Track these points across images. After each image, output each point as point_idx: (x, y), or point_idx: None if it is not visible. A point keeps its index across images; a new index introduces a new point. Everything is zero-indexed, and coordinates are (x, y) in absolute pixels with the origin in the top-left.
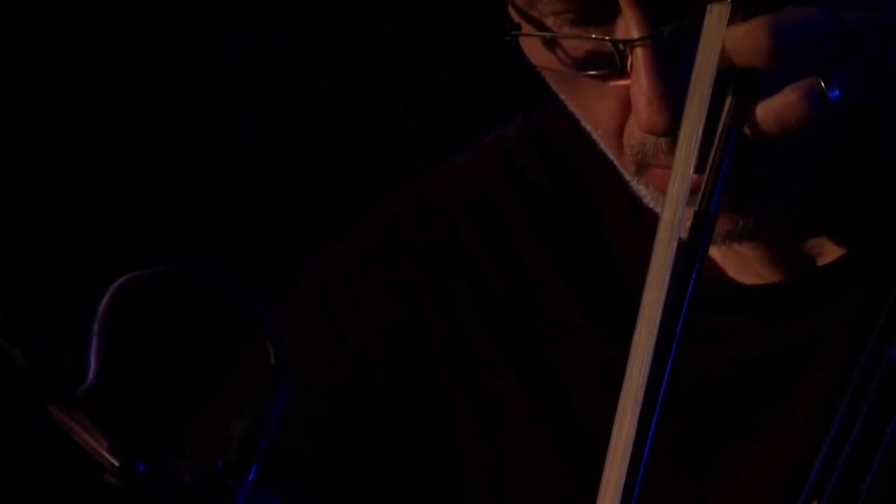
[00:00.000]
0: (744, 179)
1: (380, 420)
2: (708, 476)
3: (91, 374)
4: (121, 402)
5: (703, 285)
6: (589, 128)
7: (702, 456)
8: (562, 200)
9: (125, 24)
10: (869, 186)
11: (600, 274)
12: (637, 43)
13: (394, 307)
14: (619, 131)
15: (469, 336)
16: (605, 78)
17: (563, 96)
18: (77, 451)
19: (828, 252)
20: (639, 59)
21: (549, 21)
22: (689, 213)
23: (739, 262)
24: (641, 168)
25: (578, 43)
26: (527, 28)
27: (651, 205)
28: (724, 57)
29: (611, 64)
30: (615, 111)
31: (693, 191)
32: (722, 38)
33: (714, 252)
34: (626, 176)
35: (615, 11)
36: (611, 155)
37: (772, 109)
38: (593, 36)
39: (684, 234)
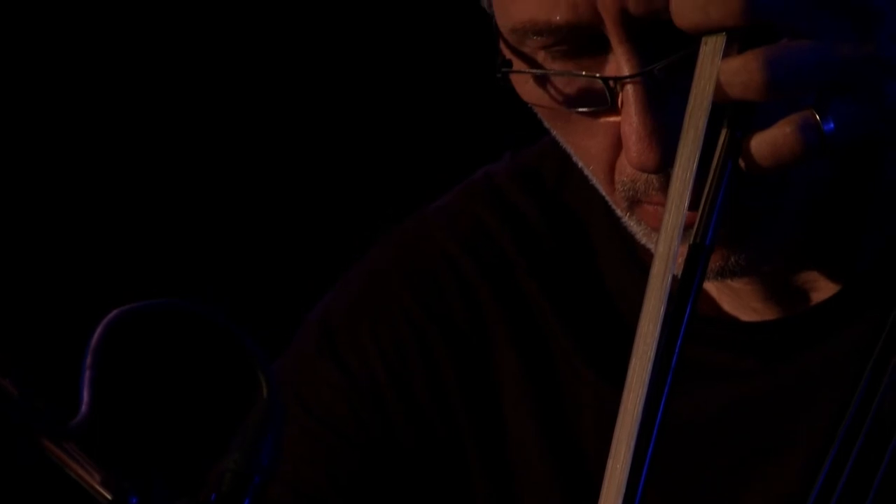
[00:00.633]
0: (737, 215)
1: (392, 451)
2: None
3: (83, 407)
4: (113, 435)
5: (700, 321)
6: (580, 163)
7: (700, 491)
8: (554, 235)
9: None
10: (862, 222)
11: (594, 308)
12: (627, 80)
13: (400, 340)
14: (611, 167)
15: (474, 365)
16: (596, 114)
17: (554, 132)
18: (69, 483)
19: (822, 288)
20: (629, 96)
21: (540, 57)
22: (683, 251)
23: (734, 298)
24: (633, 204)
25: (569, 79)
26: (518, 64)
27: (643, 241)
28: (718, 90)
29: (602, 100)
30: (606, 147)
31: (687, 227)
32: (717, 70)
33: (709, 287)
34: (618, 212)
35: (606, 48)
36: (602, 191)
37: (766, 142)
38: (584, 73)
39: (678, 271)
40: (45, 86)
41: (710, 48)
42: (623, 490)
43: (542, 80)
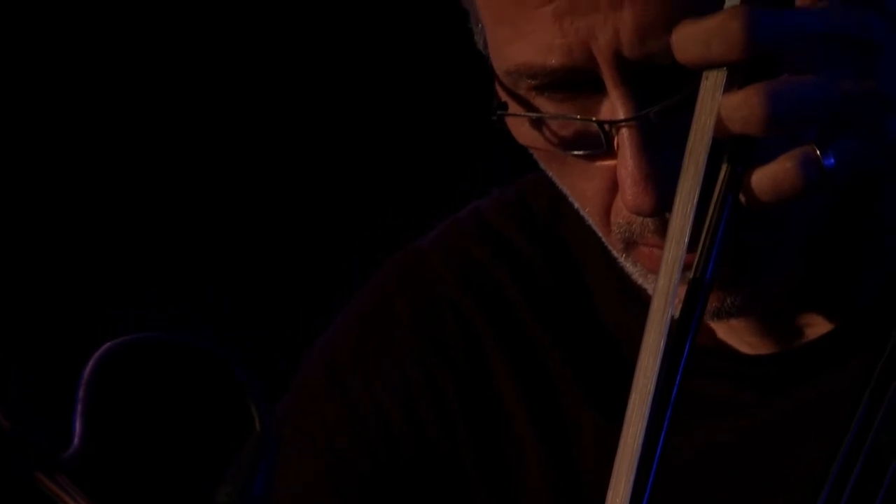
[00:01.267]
0: (736, 252)
1: (399, 482)
2: None
3: (76, 440)
4: (106, 468)
5: (699, 352)
6: (577, 204)
7: None
8: (549, 269)
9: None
10: (860, 257)
11: (592, 342)
12: (623, 123)
13: (404, 373)
14: (607, 209)
15: (478, 397)
16: (591, 157)
17: (550, 173)
18: None
19: (819, 323)
20: (625, 140)
21: (535, 99)
22: (681, 293)
23: (730, 331)
24: (629, 246)
25: (564, 122)
26: (513, 107)
27: (640, 282)
28: (719, 124)
29: (597, 143)
30: (602, 190)
31: (685, 269)
32: (718, 105)
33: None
34: (614, 252)
35: (601, 91)
36: (599, 232)
37: (767, 177)
38: (579, 117)
39: (676, 312)
40: (44, 86)
41: (711, 83)
42: None
43: (538, 123)
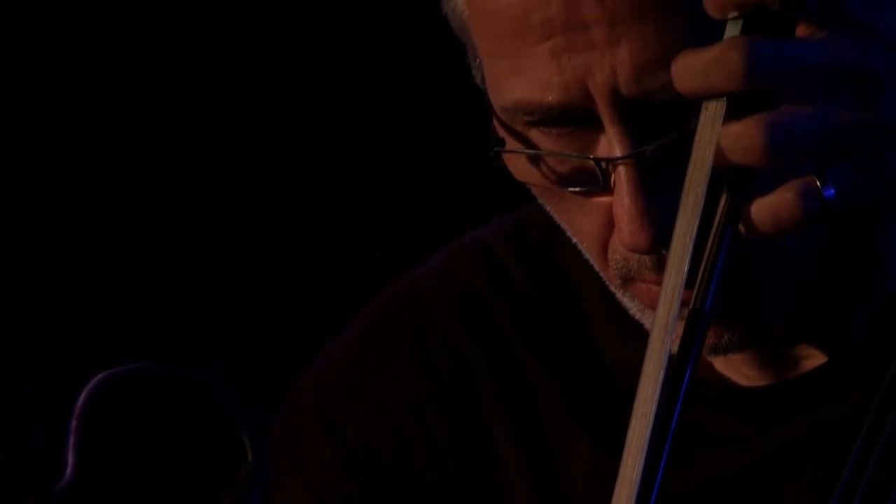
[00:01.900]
0: (733, 293)
1: None
2: None
3: (69, 471)
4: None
5: (698, 384)
6: (574, 239)
7: None
8: (544, 298)
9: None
10: (857, 288)
11: (587, 373)
12: (619, 161)
13: (393, 409)
14: (604, 245)
15: (469, 433)
16: (588, 194)
17: (548, 208)
18: None
19: (816, 354)
20: (621, 177)
21: (532, 135)
22: (680, 329)
23: (726, 363)
24: (626, 282)
25: (561, 159)
26: (510, 142)
27: (637, 317)
28: (719, 154)
29: (594, 180)
30: (599, 226)
31: (683, 304)
32: (717, 135)
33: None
34: (612, 288)
35: (598, 128)
36: (596, 266)
37: (767, 207)
38: (575, 154)
39: (673, 347)
40: (44, 86)
41: (711, 113)
42: None
43: (535, 160)
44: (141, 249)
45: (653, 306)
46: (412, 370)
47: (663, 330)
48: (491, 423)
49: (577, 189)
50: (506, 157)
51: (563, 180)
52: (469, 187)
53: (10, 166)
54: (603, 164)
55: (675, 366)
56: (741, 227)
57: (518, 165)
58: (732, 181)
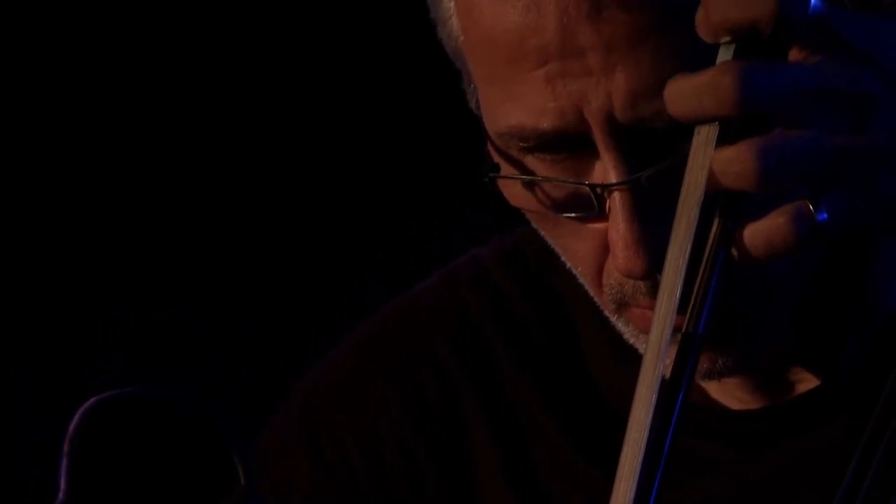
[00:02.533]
0: (726, 323)
1: None
2: None
3: (61, 495)
4: None
5: (690, 408)
6: (569, 264)
7: None
8: (539, 320)
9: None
10: (850, 312)
11: (579, 396)
12: (614, 187)
13: (378, 433)
14: (599, 270)
15: (453, 460)
16: (583, 219)
17: (543, 233)
18: None
19: (808, 378)
20: (616, 203)
21: (527, 161)
22: (672, 354)
23: (719, 387)
24: (621, 307)
25: (556, 185)
26: (505, 168)
27: (631, 341)
28: (711, 179)
29: (589, 206)
30: (594, 251)
31: (675, 330)
32: (710, 160)
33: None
34: (606, 312)
35: (593, 154)
36: (591, 291)
37: (760, 232)
38: (570, 180)
39: (667, 372)
40: (44, 86)
41: (703, 137)
42: None
43: (530, 186)
44: (141, 249)
45: (647, 331)
46: (397, 389)
47: (656, 354)
48: (474, 445)
49: (572, 215)
50: (500, 183)
51: (558, 206)
52: (469, 187)
53: (10, 166)
54: (598, 190)
55: (668, 390)
56: (734, 252)
57: (513, 191)
58: (725, 205)
